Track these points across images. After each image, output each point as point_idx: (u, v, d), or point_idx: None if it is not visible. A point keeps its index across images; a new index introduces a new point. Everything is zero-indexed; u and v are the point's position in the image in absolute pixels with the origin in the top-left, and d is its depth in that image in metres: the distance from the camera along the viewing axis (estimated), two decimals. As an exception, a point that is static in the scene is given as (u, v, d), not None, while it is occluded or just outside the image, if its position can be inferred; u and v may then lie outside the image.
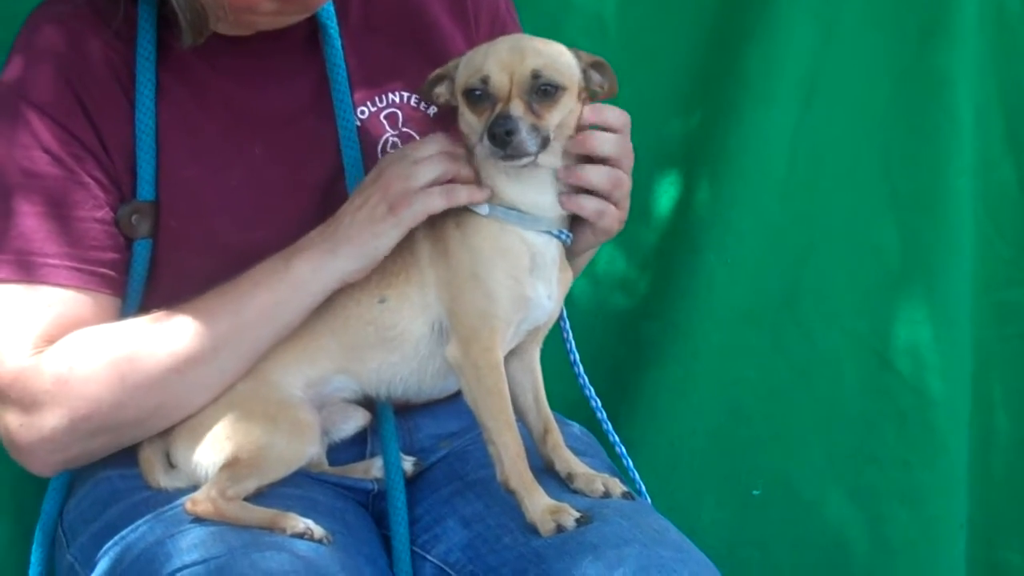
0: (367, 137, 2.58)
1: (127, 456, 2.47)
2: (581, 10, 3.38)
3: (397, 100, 2.62)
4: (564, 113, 2.36)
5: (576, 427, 2.77)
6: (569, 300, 2.59)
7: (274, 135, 2.55)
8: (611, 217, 2.45)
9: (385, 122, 2.60)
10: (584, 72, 2.40)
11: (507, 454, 2.35)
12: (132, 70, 2.49)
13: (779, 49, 3.41)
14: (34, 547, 2.60)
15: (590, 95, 2.42)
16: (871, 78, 3.50)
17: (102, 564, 2.34)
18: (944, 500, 3.60)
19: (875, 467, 3.57)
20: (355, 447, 2.62)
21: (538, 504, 2.33)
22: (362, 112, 2.59)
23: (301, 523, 2.31)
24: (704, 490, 3.53)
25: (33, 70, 2.48)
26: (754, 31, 3.40)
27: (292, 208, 2.52)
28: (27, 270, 2.42)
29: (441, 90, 2.44)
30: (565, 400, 2.67)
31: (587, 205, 2.42)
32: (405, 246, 2.41)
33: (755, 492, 3.56)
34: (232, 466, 2.36)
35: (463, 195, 2.37)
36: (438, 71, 2.45)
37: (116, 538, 2.36)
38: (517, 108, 2.30)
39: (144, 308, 2.49)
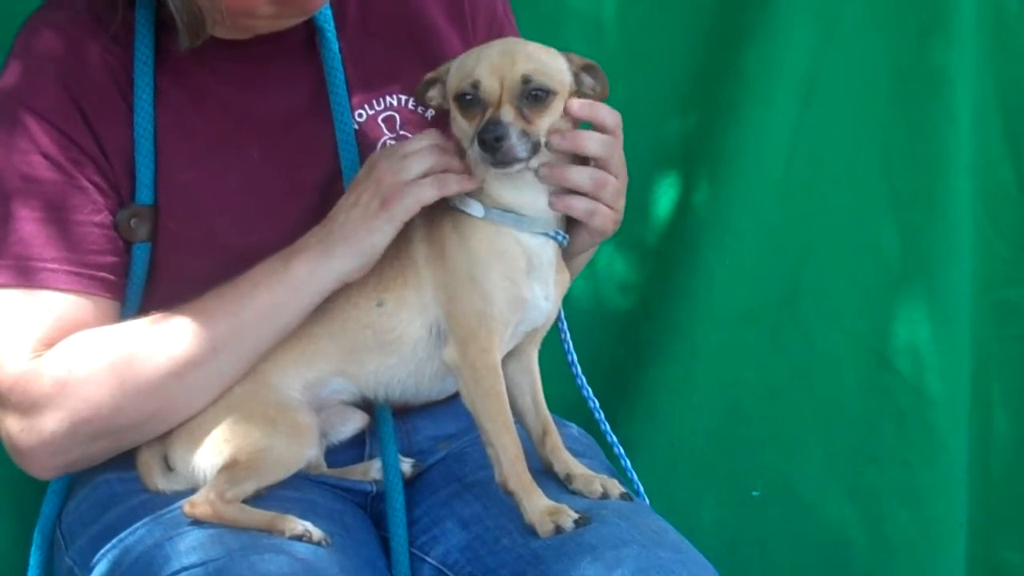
0: (365, 140, 2.58)
1: (126, 459, 2.47)
2: (579, 12, 3.38)
3: (395, 103, 2.62)
4: (555, 118, 2.35)
5: (574, 428, 2.77)
6: (567, 301, 2.59)
7: (272, 138, 2.55)
8: (603, 217, 2.44)
9: (383, 125, 2.61)
10: (576, 76, 2.39)
11: (505, 455, 2.35)
12: (130, 74, 2.49)
13: (778, 49, 3.41)
14: (33, 549, 2.61)
15: (581, 98, 2.41)
16: (870, 78, 3.50)
17: (100, 567, 2.35)
18: (944, 500, 3.59)
19: (874, 467, 3.57)
20: (353, 449, 2.62)
21: (537, 505, 2.33)
22: (360, 115, 2.60)
23: (300, 525, 2.31)
24: (703, 490, 3.53)
25: (31, 75, 2.48)
26: (753, 31, 3.40)
27: (290, 210, 2.52)
28: (26, 275, 2.43)
29: (434, 93, 2.44)
30: (563, 401, 2.68)
31: (577, 205, 2.42)
32: (402, 249, 2.41)
33: (754, 492, 3.56)
34: (230, 468, 2.36)
35: (454, 184, 2.37)
36: (431, 74, 2.44)
37: (114, 541, 2.36)
38: (507, 114, 2.29)
39: (143, 311, 2.49)
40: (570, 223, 2.46)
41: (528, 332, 2.46)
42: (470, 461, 2.60)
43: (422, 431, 2.69)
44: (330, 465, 2.58)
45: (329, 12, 2.58)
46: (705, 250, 3.43)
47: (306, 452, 2.43)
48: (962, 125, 3.51)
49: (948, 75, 3.48)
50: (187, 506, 2.34)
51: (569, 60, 2.40)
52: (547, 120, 2.34)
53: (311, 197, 2.55)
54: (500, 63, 2.32)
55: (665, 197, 3.46)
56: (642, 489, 2.73)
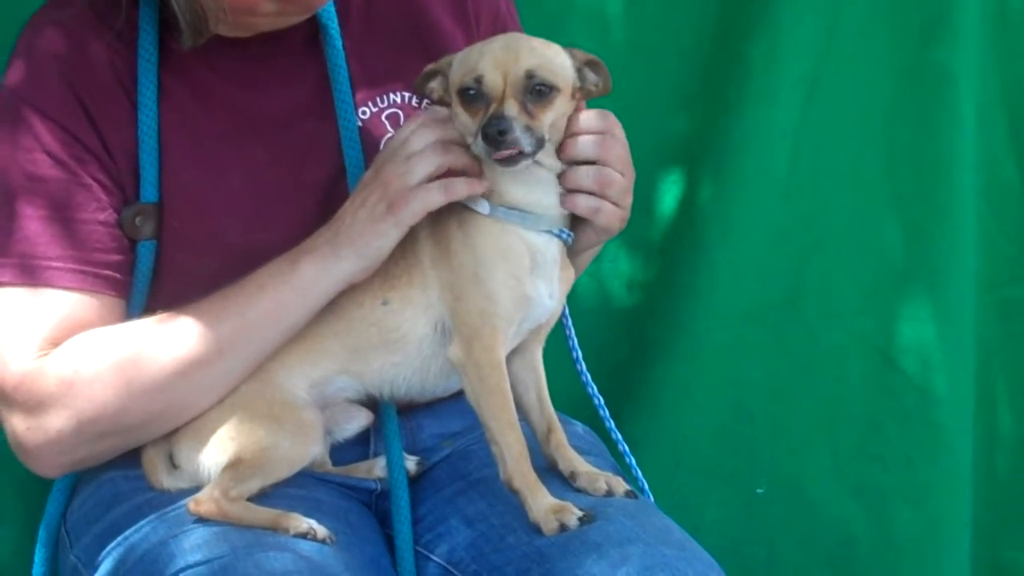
0: (369, 137, 2.58)
1: (131, 457, 2.47)
2: (583, 9, 3.38)
3: (398, 100, 2.62)
4: (558, 113, 2.35)
5: (579, 426, 2.77)
6: (572, 298, 2.59)
7: (276, 136, 2.55)
8: (608, 214, 2.44)
9: (387, 122, 2.60)
10: (579, 71, 2.39)
11: (510, 453, 2.34)
12: (134, 73, 2.49)
13: (782, 47, 3.41)
14: (38, 548, 2.61)
15: (584, 94, 2.41)
16: (874, 76, 3.50)
17: (105, 565, 2.35)
18: (948, 498, 3.59)
19: (879, 465, 3.57)
20: (358, 447, 2.62)
21: (541, 503, 2.33)
22: (363, 112, 2.60)
23: (304, 523, 2.31)
24: (708, 488, 3.53)
25: (35, 73, 2.48)
26: (757, 28, 3.40)
27: (294, 209, 2.53)
28: (31, 273, 2.43)
29: (435, 85, 2.42)
30: (568, 398, 2.67)
31: (582, 203, 2.41)
32: (408, 248, 2.41)
33: (759, 490, 3.56)
34: (235, 466, 2.36)
35: (462, 189, 2.36)
36: (431, 66, 2.43)
37: (119, 539, 2.36)
38: (511, 108, 2.29)
39: (149, 309, 2.49)
40: (576, 220, 2.46)
41: (533, 330, 2.46)
42: (475, 459, 2.59)
43: (427, 429, 2.69)
44: (335, 463, 2.58)
45: (332, 9, 2.58)
46: (709, 248, 3.44)
47: (311, 450, 2.43)
48: (966, 123, 3.51)
49: (952, 73, 3.48)
50: (192, 504, 2.34)
51: (572, 55, 2.39)
52: (550, 115, 2.33)
53: (315, 195, 2.55)
54: (504, 58, 2.32)
55: (669, 195, 3.47)
56: (647, 487, 2.73)
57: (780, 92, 3.42)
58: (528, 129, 2.29)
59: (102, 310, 2.46)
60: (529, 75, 2.31)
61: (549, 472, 2.45)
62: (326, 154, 2.56)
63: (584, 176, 2.40)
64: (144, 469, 2.45)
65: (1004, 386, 3.71)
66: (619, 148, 2.44)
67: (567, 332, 2.68)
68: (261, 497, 2.37)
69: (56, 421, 2.39)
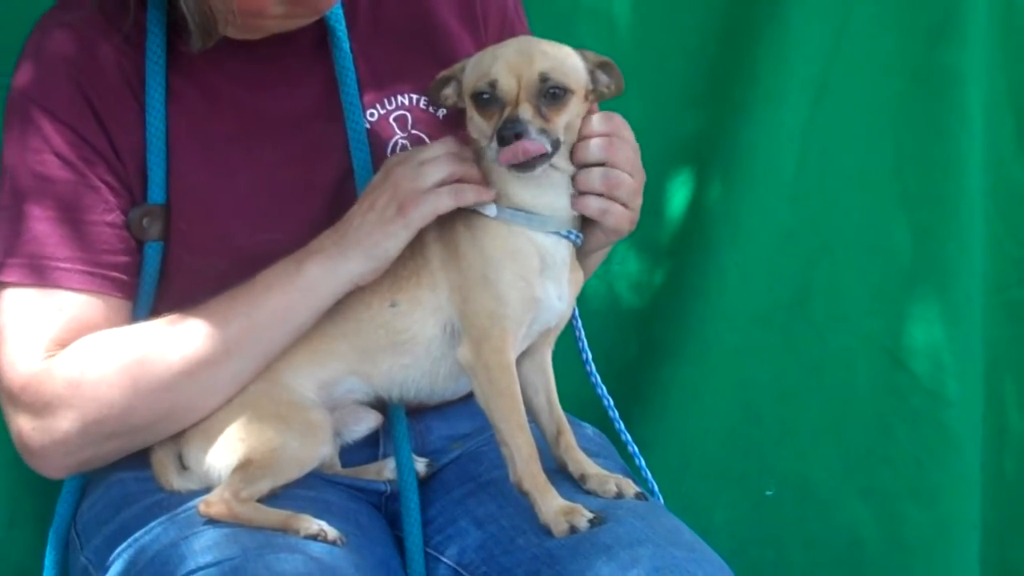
0: (376, 139, 2.58)
1: (140, 458, 2.48)
2: (591, 10, 3.37)
3: (406, 102, 2.62)
4: (572, 116, 2.36)
5: (589, 428, 2.77)
6: (581, 300, 2.59)
7: (284, 138, 2.55)
8: (617, 216, 2.44)
9: (394, 124, 2.60)
10: (591, 73, 2.40)
11: (520, 455, 2.34)
12: (142, 75, 2.49)
13: (790, 48, 3.41)
14: (48, 549, 2.61)
15: (597, 96, 2.42)
16: (882, 77, 3.49)
17: (116, 566, 2.35)
18: (957, 500, 3.59)
19: (888, 467, 3.56)
20: (367, 449, 2.61)
21: (551, 505, 2.33)
22: (371, 114, 2.59)
23: (315, 525, 2.31)
24: (717, 490, 3.52)
25: (44, 75, 2.48)
26: (765, 30, 3.40)
27: (302, 210, 2.53)
28: (39, 274, 2.43)
29: (448, 92, 2.44)
30: (578, 400, 2.67)
31: (591, 204, 2.42)
32: (416, 249, 2.41)
33: (768, 492, 3.55)
34: (245, 468, 2.36)
35: (471, 195, 2.37)
36: (444, 73, 2.45)
37: (130, 540, 2.36)
38: (526, 111, 2.30)
39: (156, 311, 2.50)
40: (585, 222, 2.46)
41: (542, 332, 2.46)
42: (484, 461, 2.59)
43: (436, 431, 2.68)
44: (344, 465, 2.58)
45: (340, 12, 2.58)
46: (718, 250, 3.43)
47: (320, 450, 2.42)
48: (974, 125, 3.51)
49: (960, 75, 3.47)
50: (202, 505, 2.34)
51: (584, 58, 2.40)
52: (564, 118, 2.34)
53: (323, 197, 2.55)
54: (517, 62, 2.33)
55: (677, 196, 3.46)
56: (656, 489, 2.73)
57: (788, 93, 3.42)
58: (543, 132, 2.30)
59: (109, 311, 2.46)
60: (543, 78, 2.31)
61: (559, 474, 2.45)
62: (334, 156, 2.56)
63: (593, 178, 2.41)
64: (154, 470, 2.46)
65: (1012, 387, 3.71)
66: (628, 150, 2.45)
67: (577, 334, 2.69)
68: (271, 499, 2.37)
69: (63, 422, 2.40)
